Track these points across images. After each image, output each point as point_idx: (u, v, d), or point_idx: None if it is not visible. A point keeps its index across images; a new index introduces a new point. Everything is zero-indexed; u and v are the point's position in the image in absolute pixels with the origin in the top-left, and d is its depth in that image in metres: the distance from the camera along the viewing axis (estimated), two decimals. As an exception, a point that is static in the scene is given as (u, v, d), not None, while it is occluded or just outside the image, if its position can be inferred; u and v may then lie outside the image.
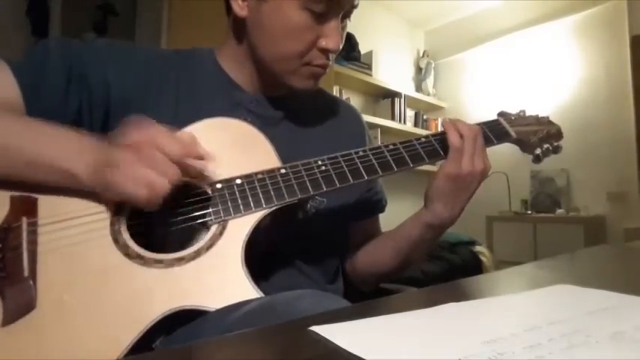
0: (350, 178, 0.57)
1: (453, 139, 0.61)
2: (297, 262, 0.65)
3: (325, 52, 0.60)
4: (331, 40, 0.59)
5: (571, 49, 3.16)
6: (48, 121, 0.51)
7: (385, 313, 0.33)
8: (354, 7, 0.62)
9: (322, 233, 0.68)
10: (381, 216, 0.82)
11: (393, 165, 0.59)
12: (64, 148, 0.49)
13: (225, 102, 0.65)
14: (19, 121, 0.52)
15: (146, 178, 0.45)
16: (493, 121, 0.71)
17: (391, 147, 0.61)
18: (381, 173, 0.59)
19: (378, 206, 0.80)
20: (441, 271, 2.14)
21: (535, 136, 0.71)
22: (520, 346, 0.25)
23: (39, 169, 0.48)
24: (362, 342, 0.27)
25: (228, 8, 0.63)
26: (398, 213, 0.84)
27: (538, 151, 0.72)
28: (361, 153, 0.59)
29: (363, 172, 0.58)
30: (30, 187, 0.50)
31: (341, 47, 0.62)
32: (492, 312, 0.35)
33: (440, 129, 0.66)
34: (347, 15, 0.63)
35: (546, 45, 3.28)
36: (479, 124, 0.67)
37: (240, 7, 0.61)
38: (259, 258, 0.53)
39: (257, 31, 0.61)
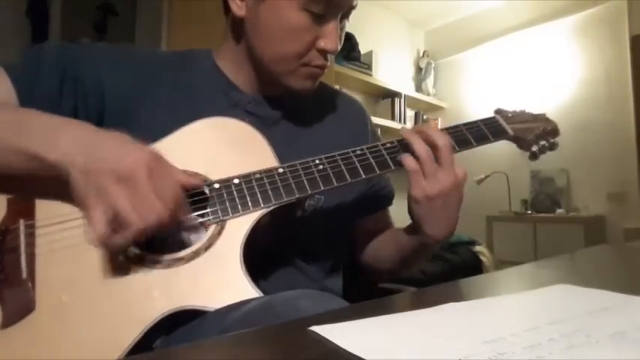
0: (348, 176, 0.57)
1: (407, 162, 0.57)
2: (295, 260, 0.65)
3: (324, 52, 0.60)
4: (330, 41, 0.59)
5: (571, 49, 3.16)
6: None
7: (385, 313, 0.33)
8: (352, 8, 0.62)
9: (321, 232, 0.68)
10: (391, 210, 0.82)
11: (390, 163, 0.59)
12: (43, 134, 0.46)
13: (222, 102, 0.65)
14: (9, 109, 0.51)
15: (155, 206, 0.43)
16: (490, 118, 0.70)
17: (388, 145, 0.61)
18: (378, 172, 0.59)
19: (385, 200, 0.79)
20: (441, 271, 2.14)
21: (532, 133, 0.71)
22: (520, 346, 0.25)
23: (19, 156, 0.46)
24: (362, 342, 0.27)
25: (227, 8, 0.63)
26: (397, 213, 0.84)
27: (535, 147, 0.71)
28: (359, 152, 0.59)
29: (361, 171, 0.58)
30: (26, 189, 0.49)
31: (339, 48, 0.62)
32: (492, 312, 0.35)
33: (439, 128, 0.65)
34: (345, 16, 0.63)
35: (546, 45, 3.28)
36: (475, 121, 0.67)
37: (238, 7, 0.61)
38: (258, 257, 0.53)
39: (255, 31, 0.61)
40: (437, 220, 0.59)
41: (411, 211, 0.61)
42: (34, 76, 0.56)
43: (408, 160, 0.57)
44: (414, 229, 0.64)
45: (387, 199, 0.80)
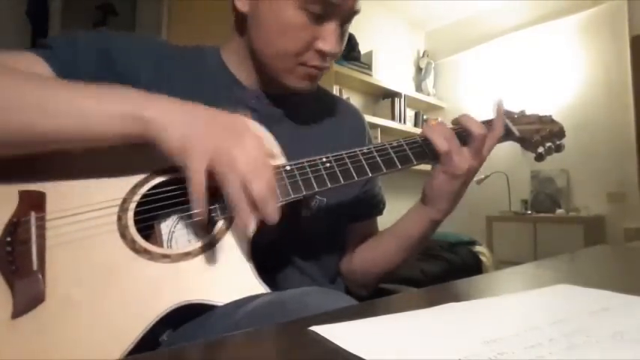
0: (354, 175, 0.57)
1: (439, 143, 0.60)
2: (298, 260, 0.65)
3: (321, 53, 0.60)
4: (327, 43, 0.59)
5: (571, 50, 3.16)
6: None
7: (385, 313, 0.33)
8: (354, 12, 0.62)
9: (324, 232, 0.68)
10: (380, 217, 0.82)
11: (397, 162, 0.60)
12: (135, 98, 0.48)
13: (227, 99, 0.65)
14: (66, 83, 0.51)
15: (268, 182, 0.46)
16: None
17: (395, 144, 0.61)
18: (385, 170, 0.59)
19: (376, 208, 0.80)
20: (441, 271, 2.14)
21: (538, 134, 0.71)
22: (520, 346, 0.25)
23: (113, 120, 0.47)
24: (362, 342, 0.27)
25: (234, 4, 0.64)
26: (396, 213, 0.84)
27: (541, 149, 0.71)
28: (365, 150, 0.60)
29: (367, 170, 0.58)
30: (38, 183, 0.50)
31: (340, 51, 0.62)
32: (492, 312, 0.35)
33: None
34: (347, 20, 0.62)
35: (546, 45, 3.29)
36: (483, 122, 0.67)
37: (242, 4, 0.62)
38: (261, 256, 0.53)
39: (255, 28, 0.62)
40: (454, 195, 0.63)
41: (435, 188, 0.63)
42: (74, 62, 0.56)
43: (440, 140, 0.60)
44: (425, 209, 0.66)
45: (378, 208, 0.80)
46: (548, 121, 0.74)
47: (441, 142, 0.60)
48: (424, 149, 0.62)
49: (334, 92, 2.93)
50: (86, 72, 0.56)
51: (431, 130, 0.61)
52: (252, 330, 0.33)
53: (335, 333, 0.28)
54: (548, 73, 3.24)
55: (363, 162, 0.58)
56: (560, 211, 3.02)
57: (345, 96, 3.17)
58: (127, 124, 0.47)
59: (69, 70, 0.55)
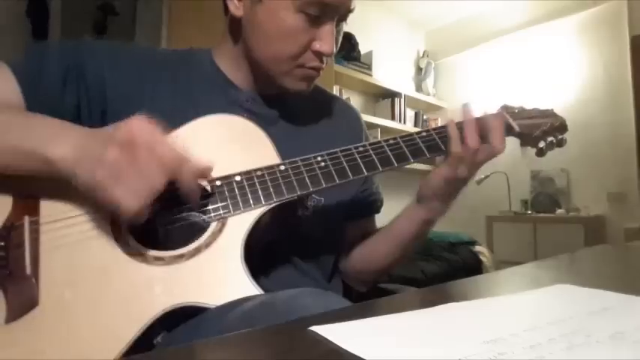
0: (349, 173, 0.57)
1: (454, 147, 0.60)
2: (295, 259, 0.65)
3: (319, 54, 0.61)
4: (325, 44, 0.59)
5: (571, 49, 3.16)
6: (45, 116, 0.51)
7: (385, 313, 0.33)
8: (350, 11, 0.62)
9: (321, 232, 0.68)
10: (379, 216, 0.82)
11: (394, 160, 0.59)
12: (44, 134, 0.48)
13: (221, 100, 0.65)
14: (5, 112, 0.52)
15: (138, 190, 0.43)
16: (496, 114, 0.70)
17: (391, 142, 0.60)
18: (380, 169, 0.58)
19: (374, 207, 0.80)
20: (441, 271, 2.14)
21: (539, 129, 0.69)
22: (520, 346, 0.25)
23: (19, 155, 0.47)
24: (362, 342, 0.27)
25: (226, 8, 0.64)
26: (395, 213, 0.84)
27: (542, 144, 0.70)
28: (361, 148, 0.59)
29: (363, 168, 0.57)
30: (31, 187, 0.50)
31: (336, 50, 0.62)
32: (492, 312, 0.35)
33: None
34: (342, 19, 0.63)
35: (546, 45, 3.29)
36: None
37: (236, 8, 0.61)
38: (258, 255, 0.53)
39: (252, 32, 0.61)
40: (448, 196, 0.65)
41: (430, 188, 0.64)
42: (38, 73, 0.56)
43: (456, 144, 0.60)
44: (417, 209, 0.67)
45: (376, 206, 0.80)
46: (549, 114, 0.72)
47: (458, 146, 0.60)
48: (420, 146, 0.61)
49: (334, 92, 2.93)
50: (52, 84, 0.56)
51: (454, 129, 0.61)
52: (252, 330, 0.33)
53: (335, 333, 0.28)
54: (548, 73, 3.24)
55: (359, 160, 0.58)
56: (560, 211, 3.02)
57: (345, 96, 3.17)
58: (32, 163, 0.47)
59: (32, 80, 0.55)
